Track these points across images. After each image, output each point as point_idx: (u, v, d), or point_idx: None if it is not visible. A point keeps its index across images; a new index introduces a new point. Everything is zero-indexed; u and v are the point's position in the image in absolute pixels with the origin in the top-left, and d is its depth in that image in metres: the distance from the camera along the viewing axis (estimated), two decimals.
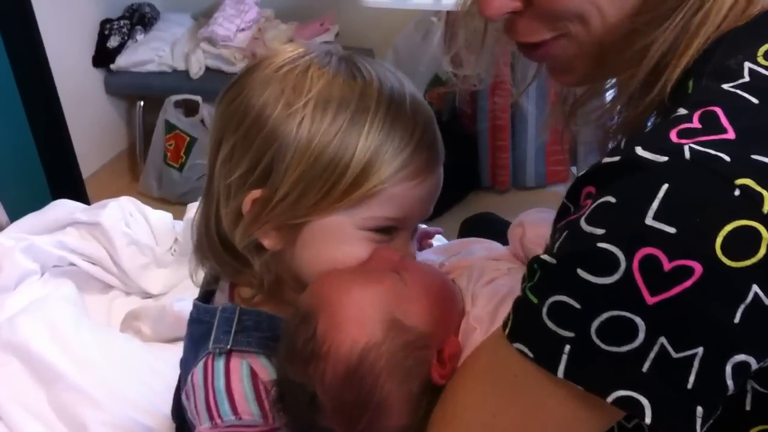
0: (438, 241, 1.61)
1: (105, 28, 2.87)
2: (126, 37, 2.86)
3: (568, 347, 0.57)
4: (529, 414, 0.64)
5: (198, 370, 0.81)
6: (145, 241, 1.59)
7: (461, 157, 2.82)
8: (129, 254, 1.54)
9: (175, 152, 2.71)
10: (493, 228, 1.24)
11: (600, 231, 0.56)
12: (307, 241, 0.78)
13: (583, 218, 0.58)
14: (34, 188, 2.26)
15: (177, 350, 1.36)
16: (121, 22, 2.89)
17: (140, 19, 2.92)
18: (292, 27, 2.87)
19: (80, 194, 2.32)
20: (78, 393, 1.20)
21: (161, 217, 1.68)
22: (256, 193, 0.76)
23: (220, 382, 0.79)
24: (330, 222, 0.76)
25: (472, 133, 2.86)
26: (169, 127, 2.71)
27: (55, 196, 2.19)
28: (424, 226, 1.02)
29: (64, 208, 1.67)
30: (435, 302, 0.80)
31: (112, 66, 2.82)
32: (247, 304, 0.83)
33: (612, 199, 0.56)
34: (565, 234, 0.60)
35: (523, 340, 0.61)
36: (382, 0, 2.24)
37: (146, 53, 2.79)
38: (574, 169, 2.91)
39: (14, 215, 1.72)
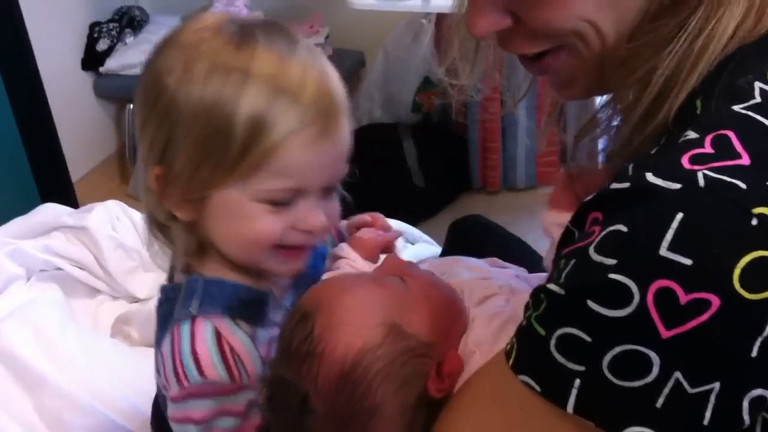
0: (426, 243, 1.61)
1: (94, 31, 2.86)
2: (115, 40, 2.85)
3: (578, 381, 0.56)
4: None
5: (166, 341, 0.81)
6: (132, 245, 1.59)
7: (452, 159, 2.82)
8: (116, 258, 1.54)
9: None
10: (482, 231, 1.23)
11: (611, 261, 0.54)
12: (214, 216, 0.79)
13: (592, 246, 0.56)
14: (23, 192, 2.26)
15: None
16: (110, 25, 2.88)
17: (129, 22, 2.92)
18: None
19: (69, 197, 2.31)
20: (63, 398, 1.19)
21: None
22: (156, 169, 0.78)
23: (185, 345, 0.79)
24: (227, 197, 0.76)
25: (462, 134, 2.86)
26: None
27: (45, 199, 2.18)
28: (380, 232, 1.01)
29: (51, 211, 1.66)
30: (439, 312, 0.78)
31: (101, 69, 2.81)
32: (211, 275, 0.83)
33: (623, 228, 0.54)
34: (572, 263, 0.58)
35: (529, 373, 0.59)
36: (370, 2, 2.23)
37: (136, 56, 2.78)
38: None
39: (3, 218, 1.71)
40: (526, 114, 2.76)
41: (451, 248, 1.34)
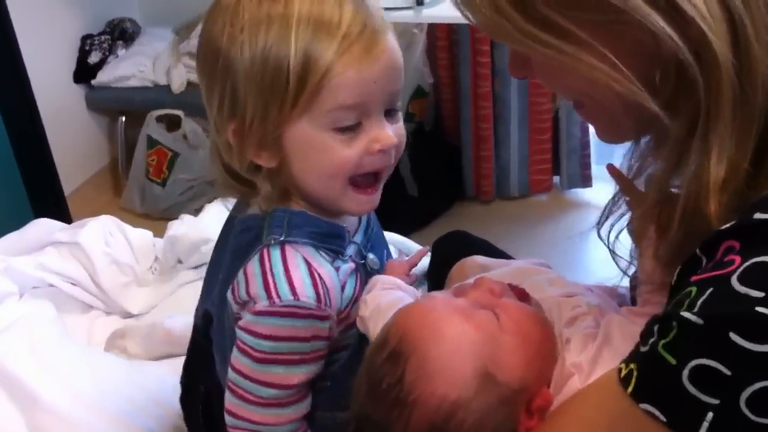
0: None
1: (86, 44, 2.86)
2: (107, 53, 2.85)
3: (710, 415, 0.55)
4: None
5: (253, 262, 0.86)
6: (126, 260, 1.58)
7: (445, 168, 2.82)
8: (109, 274, 1.53)
9: (158, 167, 2.70)
10: (466, 247, 1.23)
11: (758, 294, 0.53)
12: (293, 155, 0.84)
13: (734, 277, 0.55)
14: (15, 205, 2.25)
15: (160, 365, 1.36)
16: (102, 38, 2.88)
17: (121, 34, 2.92)
18: None
19: (62, 211, 2.30)
20: (56, 416, 1.18)
21: (141, 235, 1.67)
22: (233, 125, 0.84)
23: (278, 268, 0.85)
24: (299, 131, 0.82)
25: (455, 143, 2.86)
26: (151, 143, 2.70)
27: (37, 213, 2.18)
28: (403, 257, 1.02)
29: (43, 227, 1.65)
30: (533, 353, 0.77)
31: (93, 81, 2.81)
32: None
33: None
34: (710, 291, 0.56)
35: (654, 402, 0.58)
36: None
37: (127, 68, 2.78)
38: (557, 179, 2.92)
39: None
40: (518, 122, 2.77)
41: (435, 267, 1.34)
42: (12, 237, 1.62)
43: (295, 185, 0.88)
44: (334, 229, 0.90)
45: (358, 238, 0.93)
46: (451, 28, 2.63)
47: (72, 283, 1.53)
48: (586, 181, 2.85)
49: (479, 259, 1.11)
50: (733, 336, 0.53)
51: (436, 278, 1.43)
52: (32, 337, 1.29)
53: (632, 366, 0.61)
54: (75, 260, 1.54)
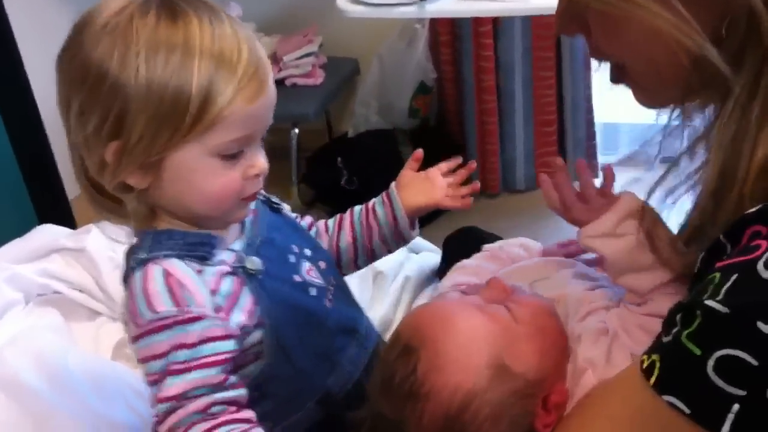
0: (430, 252, 1.60)
1: None
2: None
3: (736, 407, 0.54)
4: None
5: (126, 292, 0.90)
6: None
7: None
8: (115, 279, 1.51)
9: None
10: (478, 243, 1.22)
11: None
12: (171, 177, 0.86)
13: (761, 263, 0.54)
14: (19, 210, 2.24)
15: None
16: None
17: None
18: (275, 40, 2.86)
19: (67, 215, 2.30)
20: (63, 427, 1.17)
21: None
22: (114, 145, 0.84)
23: (138, 287, 0.87)
24: (185, 155, 0.84)
25: (460, 138, 2.84)
26: None
27: (41, 217, 2.17)
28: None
29: (48, 233, 1.64)
30: (547, 346, 0.77)
31: None
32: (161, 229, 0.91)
33: None
34: (734, 278, 0.55)
35: (678, 394, 0.57)
36: (364, 10, 2.22)
37: None
38: None
39: (0, 238, 1.69)
40: (524, 115, 2.76)
41: (447, 264, 1.32)
42: (16, 244, 1.61)
43: (169, 205, 0.90)
44: (200, 238, 0.91)
45: (237, 245, 0.94)
46: (453, 23, 2.62)
47: (78, 290, 1.52)
48: (592, 171, 2.83)
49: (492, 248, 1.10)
50: (761, 325, 0.52)
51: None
52: (39, 347, 1.28)
53: (654, 357, 0.60)
54: (80, 266, 1.53)
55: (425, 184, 1.12)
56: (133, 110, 0.81)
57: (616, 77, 0.76)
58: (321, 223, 1.14)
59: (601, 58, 0.75)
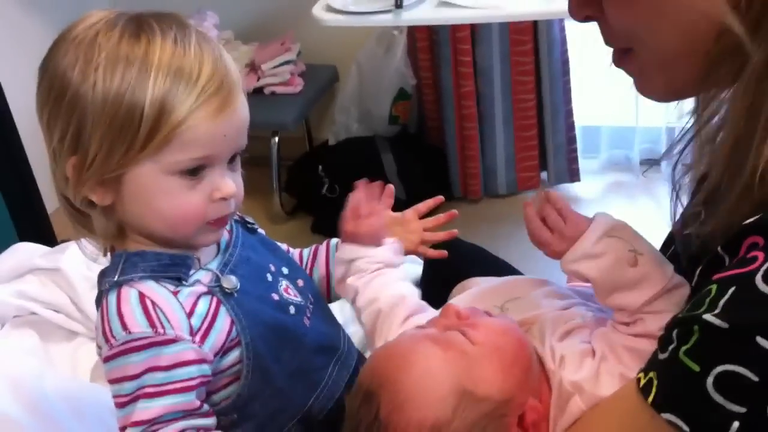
0: (412, 264, 1.59)
1: None
2: None
3: (736, 424, 0.53)
4: None
5: (98, 314, 0.88)
6: None
7: (431, 169, 2.81)
8: (92, 298, 1.49)
9: None
10: (458, 253, 1.21)
11: None
12: (130, 195, 0.86)
13: (759, 276, 0.52)
14: None
15: None
16: None
17: None
18: (253, 48, 2.84)
19: (46, 230, 2.28)
20: None
21: None
22: (73, 160, 0.84)
23: (112, 308, 0.86)
24: (142, 173, 0.83)
25: (440, 144, 2.84)
26: None
27: (20, 231, 2.15)
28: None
29: (23, 253, 1.62)
30: (509, 363, 0.75)
31: None
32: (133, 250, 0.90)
33: None
34: (732, 291, 0.54)
35: (677, 411, 0.56)
36: (341, 19, 2.21)
37: None
38: (544, 175, 2.91)
39: None
40: (503, 120, 2.76)
41: (428, 274, 1.32)
42: None
43: (133, 225, 0.89)
44: (175, 259, 0.90)
45: (213, 264, 0.93)
46: (431, 29, 2.61)
47: (55, 310, 1.50)
48: (573, 175, 2.84)
49: (479, 279, 1.09)
50: (761, 340, 0.51)
51: (428, 287, 1.41)
52: (14, 373, 1.26)
53: (651, 375, 0.59)
54: (56, 286, 1.51)
55: (401, 230, 1.10)
56: (89, 124, 0.81)
57: (619, 60, 0.74)
58: (296, 252, 1.13)
59: (612, 43, 0.73)
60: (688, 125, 0.80)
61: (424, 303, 0.96)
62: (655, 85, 0.73)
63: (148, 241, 0.90)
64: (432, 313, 0.91)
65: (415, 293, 0.94)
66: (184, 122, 0.81)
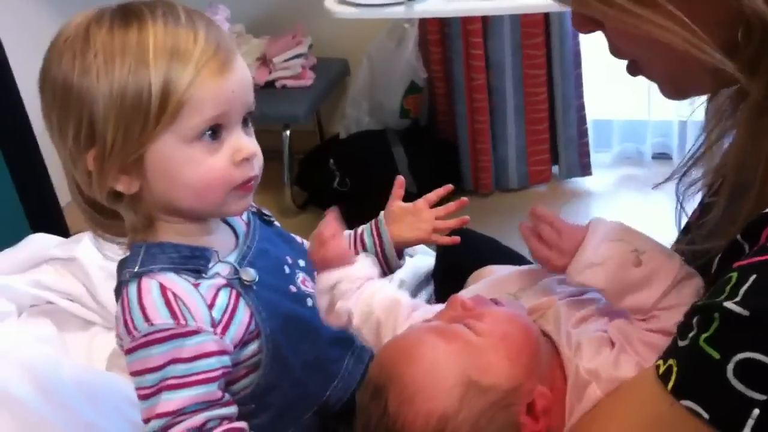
0: (424, 255, 1.59)
1: None
2: None
3: (756, 411, 0.53)
4: None
5: (118, 305, 0.89)
6: None
7: (442, 163, 2.80)
8: (108, 288, 1.49)
9: None
10: (471, 246, 1.21)
11: None
12: (155, 174, 0.86)
13: None
14: (11, 218, 2.23)
15: None
16: None
17: None
18: (264, 41, 2.85)
19: (59, 222, 2.29)
20: None
21: None
22: (92, 152, 0.85)
23: (134, 300, 0.86)
24: (163, 148, 0.84)
25: (451, 137, 2.84)
26: None
27: (34, 224, 2.16)
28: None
29: (38, 243, 1.63)
30: (515, 351, 0.75)
31: None
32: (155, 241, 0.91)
33: None
34: (753, 279, 0.54)
35: (696, 399, 0.56)
36: (352, 11, 2.21)
37: None
38: (555, 169, 2.90)
39: None
40: (515, 114, 2.75)
41: (441, 266, 1.32)
42: (7, 255, 1.60)
43: (163, 207, 0.89)
44: (195, 252, 0.90)
45: (232, 257, 0.94)
46: (442, 22, 2.61)
47: (70, 300, 1.51)
48: (585, 169, 2.84)
49: (495, 267, 1.09)
50: None
51: (441, 279, 1.41)
52: (31, 360, 1.27)
53: (671, 362, 0.59)
54: (72, 276, 1.52)
55: (413, 219, 1.10)
56: (101, 113, 0.82)
57: (630, 68, 0.75)
58: (309, 243, 1.13)
59: (617, 56, 0.74)
60: (696, 145, 0.80)
61: (418, 300, 0.96)
62: (669, 91, 0.74)
63: (180, 222, 0.90)
64: (432, 307, 0.92)
65: (405, 294, 0.94)
66: (190, 87, 0.82)
